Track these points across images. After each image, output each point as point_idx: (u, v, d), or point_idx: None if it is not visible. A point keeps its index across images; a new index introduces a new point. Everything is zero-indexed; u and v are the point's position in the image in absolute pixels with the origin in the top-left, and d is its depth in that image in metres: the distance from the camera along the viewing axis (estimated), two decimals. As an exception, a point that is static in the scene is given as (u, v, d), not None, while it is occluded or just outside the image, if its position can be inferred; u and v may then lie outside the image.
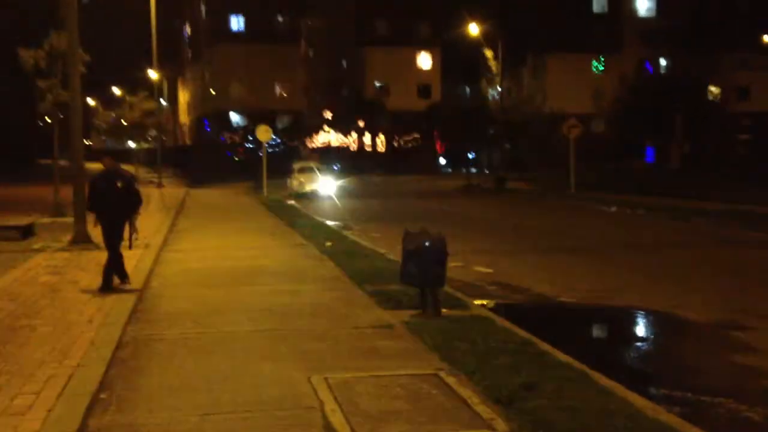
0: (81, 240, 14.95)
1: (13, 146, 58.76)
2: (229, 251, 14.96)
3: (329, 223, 20.41)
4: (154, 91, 47.80)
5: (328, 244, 15.21)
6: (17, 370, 6.56)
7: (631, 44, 69.64)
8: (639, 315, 10.48)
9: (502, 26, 51.75)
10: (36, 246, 15.05)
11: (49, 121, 29.53)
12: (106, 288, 10.19)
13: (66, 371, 6.54)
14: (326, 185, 35.21)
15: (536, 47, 65.50)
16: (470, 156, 60.18)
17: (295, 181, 35.38)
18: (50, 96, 21.02)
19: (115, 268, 10.46)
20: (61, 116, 20.43)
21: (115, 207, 10.43)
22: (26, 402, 5.76)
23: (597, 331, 10.35)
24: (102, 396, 6.09)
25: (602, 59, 71.54)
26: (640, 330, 10.12)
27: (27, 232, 16.82)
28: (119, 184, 10.43)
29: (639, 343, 9.37)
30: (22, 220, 17.55)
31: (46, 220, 20.02)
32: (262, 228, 19.47)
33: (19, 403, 5.73)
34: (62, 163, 23.58)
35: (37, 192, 32.22)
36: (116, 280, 10.50)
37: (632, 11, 73.96)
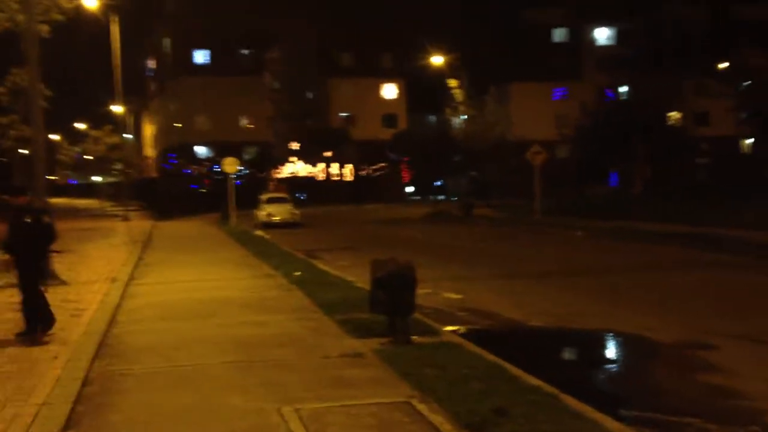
0: (46, 276, 14.69)
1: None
2: (196, 283, 14.84)
3: (297, 252, 20.34)
4: (118, 125, 47.50)
5: (297, 273, 15.16)
6: (-19, 410, 6.43)
7: (592, 72, 70.90)
8: (607, 337, 10.58)
9: (465, 56, 52.36)
10: (-1, 283, 14.78)
11: (6, 159, 29.27)
12: (29, 332, 9.33)
13: (31, 410, 6.43)
14: (294, 215, 35.15)
15: (499, 76, 66.38)
16: (437, 184, 60.52)
17: (263, 212, 35.28)
18: (12, 132, 20.85)
19: (30, 312, 9.43)
20: (24, 152, 20.26)
21: (23, 244, 9.42)
22: (-10, 442, 5.65)
23: (566, 354, 10.41)
24: (69, 434, 6.00)
25: (563, 87, 72.73)
26: (609, 352, 10.21)
27: (-11, 269, 16.52)
28: (27, 219, 9.50)
29: (608, 365, 9.44)
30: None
31: (5, 256, 19.68)
32: (230, 259, 19.36)
33: (-17, 444, 5.62)
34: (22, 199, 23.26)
35: (-1, 228, 31.72)
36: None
37: (592, 40, 75.43)
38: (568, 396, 6.57)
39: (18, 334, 9.37)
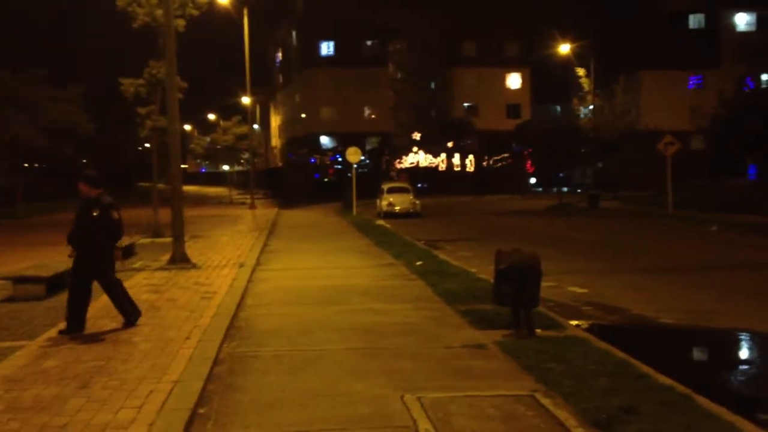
0: (179, 259, 15.42)
1: (117, 171, 61.33)
2: (319, 271, 15.12)
3: (418, 242, 20.39)
4: (247, 115, 49.05)
5: (418, 263, 15.19)
6: (120, 385, 6.77)
7: (730, 60, 67.48)
8: (743, 337, 10.03)
9: (594, 44, 50.95)
10: (136, 265, 15.58)
11: (148, 146, 30.72)
12: (71, 329, 8.92)
13: (166, 386, 6.70)
14: (414, 205, 35.27)
15: (630, 64, 64.16)
16: (561, 175, 59.24)
17: (385, 201, 35.57)
18: (149, 122, 21.85)
19: (73, 310, 9.03)
20: (162, 142, 21.19)
21: (87, 239, 9.04)
22: (129, 416, 5.93)
23: (699, 354, 9.94)
24: (200, 411, 6.23)
25: (699, 75, 69.59)
26: (745, 352, 9.68)
27: (128, 252, 17.43)
28: (95, 213, 9.02)
29: (744, 366, 8.96)
30: (123, 241, 18.17)
31: (145, 240, 20.72)
32: (352, 248, 19.61)
33: (122, 417, 5.90)
34: (160, 186, 24.40)
35: (137, 214, 33.43)
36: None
37: (731, 26, 71.73)
38: (701, 397, 6.27)
39: (61, 332, 8.94)
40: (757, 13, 70.41)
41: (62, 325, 9.11)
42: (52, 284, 12.01)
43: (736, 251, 19.50)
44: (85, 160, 58.94)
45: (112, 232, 9.21)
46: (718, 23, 71.08)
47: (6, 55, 51.10)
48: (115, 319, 9.77)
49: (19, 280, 11.69)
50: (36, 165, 52.09)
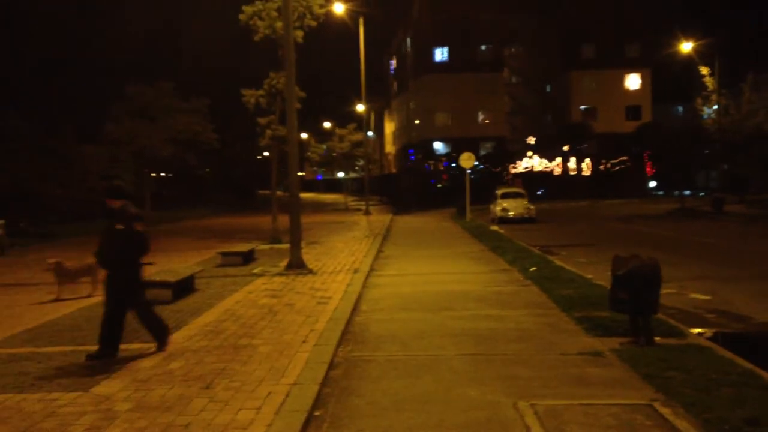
0: (296, 265, 15.82)
1: (238, 179, 63.54)
2: (433, 276, 15.17)
3: (533, 248, 20.13)
4: (362, 123, 49.76)
5: (533, 269, 15.01)
6: (240, 387, 7.03)
7: None
8: None
9: (720, 41, 48.89)
10: (256, 270, 16.09)
11: (267, 154, 31.71)
12: (102, 355, 8.32)
13: (283, 389, 6.92)
14: (529, 210, 34.83)
15: (759, 62, 61.11)
16: (684, 178, 57.12)
17: (499, 207, 35.29)
18: (269, 131, 22.54)
19: (108, 330, 8.43)
20: (281, 150, 21.82)
21: (113, 254, 8.39)
22: (248, 416, 6.16)
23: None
24: (317, 413, 6.40)
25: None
26: None
27: (248, 257, 18.07)
28: (119, 227, 8.36)
29: None
30: (244, 247, 18.85)
31: (264, 246, 21.38)
32: (466, 253, 19.57)
33: (242, 418, 6.14)
34: (279, 193, 25.10)
35: (257, 221, 34.57)
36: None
37: None
38: (834, 411, 5.94)
39: (89, 356, 8.33)
40: None
41: (93, 349, 8.47)
42: (179, 289, 12.57)
43: None
44: (208, 170, 61.36)
45: (138, 245, 8.43)
46: None
47: (134, 69, 53.90)
48: (237, 321, 10.15)
49: (147, 285, 12.27)
50: (162, 174, 54.58)
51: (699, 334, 9.48)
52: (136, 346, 8.92)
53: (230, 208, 51.48)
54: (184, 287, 12.98)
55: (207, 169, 61.85)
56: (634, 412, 6.12)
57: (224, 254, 17.89)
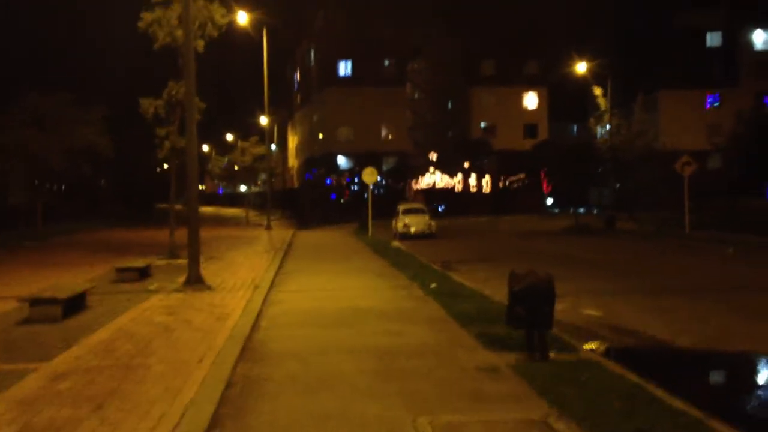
0: (194, 281, 15.47)
1: (136, 191, 61.81)
2: (334, 292, 15.13)
3: (433, 264, 20.36)
4: (265, 135, 49.34)
5: (433, 285, 15.16)
6: (133, 407, 6.80)
7: (749, 78, 67.20)
8: (760, 360, 9.92)
9: (612, 63, 50.87)
10: (152, 287, 15.66)
11: (166, 167, 31.04)
12: None
13: (178, 409, 6.73)
14: (430, 226, 35.25)
15: (648, 83, 64.01)
16: (578, 195, 59.01)
17: (400, 222, 35.58)
18: (167, 143, 22.01)
19: None
20: (181, 163, 21.33)
21: None
22: (141, 438, 5.95)
23: (715, 377, 9.84)
24: (212, 434, 6.23)
25: (717, 94, 69.32)
26: (761, 376, 9.57)
27: (144, 273, 17.56)
28: None
29: (759, 391, 8.85)
30: (140, 262, 18.31)
31: (162, 261, 20.84)
32: (367, 269, 19.62)
33: (135, 439, 5.92)
34: (178, 207, 24.53)
35: (155, 235, 33.69)
36: None
37: (748, 44, 71.51)
38: (716, 421, 6.21)
39: None
40: (775, 31, 70.15)
41: None
42: (69, 305, 12.09)
43: (754, 273, 19.33)
44: (104, 181, 59.48)
45: None
46: (736, 41, 70.89)
47: (29, 73, 51.81)
48: (132, 340, 9.83)
49: (35, 302, 11.76)
50: (55, 186, 52.59)
51: (591, 349, 9.77)
52: (21, 366, 8.51)
53: (127, 222, 50.01)
54: (75, 304, 12.48)
55: (103, 181, 59.94)
56: (529, 426, 6.23)
57: (119, 269, 17.33)
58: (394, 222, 36.72)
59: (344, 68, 75.48)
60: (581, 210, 51.87)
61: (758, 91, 61.20)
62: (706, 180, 44.34)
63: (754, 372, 9.72)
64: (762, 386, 9.10)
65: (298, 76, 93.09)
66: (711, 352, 10.35)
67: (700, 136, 57.64)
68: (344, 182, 63.93)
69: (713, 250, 25.38)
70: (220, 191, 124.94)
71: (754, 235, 27.92)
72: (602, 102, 48.63)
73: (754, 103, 56.43)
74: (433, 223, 35.84)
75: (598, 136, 51.50)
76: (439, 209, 58.18)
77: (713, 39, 71.55)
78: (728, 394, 8.81)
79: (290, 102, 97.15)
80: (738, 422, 6.37)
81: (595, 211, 56.72)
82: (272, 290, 15.36)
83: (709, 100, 70.95)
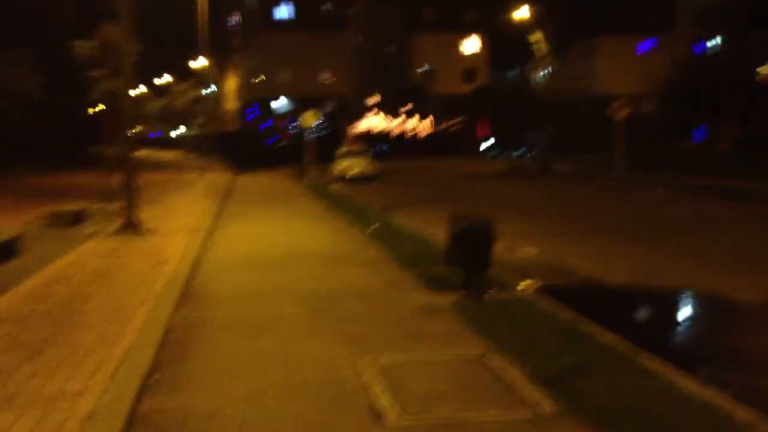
0: (132, 225, 15.23)
1: (68, 135, 60.01)
2: (274, 236, 15.09)
3: (374, 206, 20.43)
4: (201, 79, 48.29)
5: (373, 227, 15.24)
6: (71, 353, 6.72)
7: (684, 25, 68.14)
8: (687, 296, 10.31)
9: (550, 9, 51.03)
10: (88, 231, 15.36)
11: (98, 109, 30.17)
12: None
13: (118, 354, 6.67)
14: (371, 168, 35.23)
15: (585, 29, 64.43)
16: (516, 138, 59.61)
17: (341, 165, 35.48)
18: (101, 85, 21.37)
19: None
20: (112, 105, 20.77)
21: None
22: (80, 384, 5.89)
23: (645, 313, 10.19)
24: (153, 378, 6.21)
25: (652, 40, 70.21)
26: (689, 311, 9.96)
27: (80, 217, 17.20)
28: None
29: (687, 324, 9.23)
30: (74, 206, 17.92)
31: (97, 206, 20.41)
32: (308, 212, 19.59)
33: (74, 386, 5.86)
34: (113, 150, 23.95)
35: (89, 179, 32.85)
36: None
37: (684, -9, 72.33)
38: (646, 354, 6.45)
39: None
40: (710, -22, 71.05)
41: None
42: (1, 251, 11.79)
43: (684, 212, 19.93)
44: (34, 125, 57.54)
45: None
46: (672, -13, 71.59)
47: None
48: (68, 285, 9.68)
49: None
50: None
51: (527, 287, 9.99)
52: (-47, 313, 8.32)
53: (59, 166, 48.66)
54: (6, 249, 12.18)
55: (33, 125, 58.01)
56: (467, 363, 6.37)
57: (53, 214, 16.89)
58: (334, 165, 36.58)
59: (283, 11, 74.06)
60: (518, 153, 52.46)
61: (693, 38, 62.17)
62: (639, 124, 45.16)
63: (680, 306, 10.10)
64: (687, 320, 9.48)
65: (236, 18, 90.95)
66: (640, 288, 10.71)
67: (635, 82, 58.44)
68: (284, 125, 63.25)
69: (644, 192, 26.04)
70: (157, 134, 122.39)
71: (685, 177, 28.69)
72: (541, 47, 48.91)
73: (689, 49, 57.40)
74: (373, 165, 35.82)
75: (536, 81, 51.93)
76: (380, 152, 58.09)
77: (650, -16, 72.16)
78: (657, 328, 9.14)
79: (228, 45, 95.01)
80: (665, 354, 6.62)
81: (531, 154, 57.41)
82: (211, 234, 15.23)
83: (645, 46, 71.88)
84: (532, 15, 47.82)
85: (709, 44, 60.81)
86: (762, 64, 49.54)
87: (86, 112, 59.14)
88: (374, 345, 6.99)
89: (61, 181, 35.39)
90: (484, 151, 66.90)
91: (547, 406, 5.34)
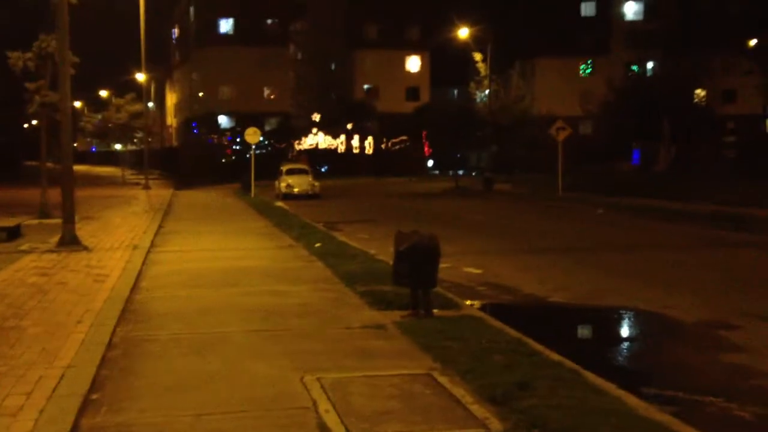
0: (69, 241, 14.88)
1: (1, 148, 58.43)
2: (217, 252, 14.92)
3: (317, 224, 20.37)
4: (141, 93, 47.60)
5: (317, 245, 15.19)
6: (7, 371, 6.51)
7: (619, 47, 70.02)
8: (628, 315, 10.53)
9: (491, 30, 51.86)
10: (23, 247, 14.96)
11: (35, 123, 29.44)
12: None
13: (57, 372, 6.49)
14: (313, 187, 35.19)
15: (525, 51, 65.67)
16: (458, 158, 60.30)
17: (283, 183, 35.35)
18: (38, 98, 20.90)
19: None
20: (52, 119, 20.34)
21: None
22: (17, 402, 5.71)
23: (587, 331, 10.38)
24: (94, 396, 6.05)
25: (590, 62, 71.92)
26: (630, 330, 10.17)
27: (14, 233, 16.72)
28: None
29: (629, 343, 9.41)
30: (9, 222, 17.43)
31: (32, 221, 19.90)
32: (251, 229, 19.43)
33: (11, 404, 5.68)
34: (49, 165, 23.42)
35: (23, 194, 32.01)
36: None
37: (620, 15, 74.44)
38: (590, 372, 6.55)
39: None
40: (645, 2, 73.28)
41: None
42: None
43: (622, 233, 20.39)
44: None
45: None
46: (608, 11, 73.62)
47: None
48: (2, 301, 9.39)
49: None
50: None
51: (472, 305, 10.07)
52: None
53: (-7, 180, 47.32)
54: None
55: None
56: (414, 381, 6.38)
57: (-14, 229, 16.42)
58: (277, 183, 36.42)
59: (225, 26, 73.67)
60: (460, 172, 52.99)
61: (628, 60, 63.91)
62: (578, 145, 46.15)
63: (622, 326, 10.31)
64: (629, 339, 9.68)
65: (176, 32, 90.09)
66: (582, 307, 10.90)
67: (574, 103, 59.78)
68: (226, 142, 62.70)
69: (584, 211, 26.57)
70: (93, 149, 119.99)
71: (622, 198, 29.36)
72: (482, 68, 49.63)
73: (624, 72, 58.94)
74: (316, 183, 35.81)
75: (478, 100, 52.62)
76: (322, 170, 58.04)
77: (587, 9, 74.09)
78: (599, 346, 9.31)
79: (168, 59, 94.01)
80: (608, 373, 6.74)
81: (473, 174, 58.04)
82: (152, 251, 14.98)
83: (582, 67, 73.60)
84: (472, 35, 48.48)
85: (648, 65, 62.48)
86: (696, 86, 51.16)
87: (20, 125, 57.74)
88: (321, 362, 6.95)
89: (-5, 195, 34.36)
90: (426, 170, 67.42)
91: (494, 423, 5.37)
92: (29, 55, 20.72)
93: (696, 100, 52.68)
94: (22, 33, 22.81)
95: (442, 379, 6.38)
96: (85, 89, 70.58)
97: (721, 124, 55.06)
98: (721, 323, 9.54)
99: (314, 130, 67.66)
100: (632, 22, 73.32)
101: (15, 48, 21.06)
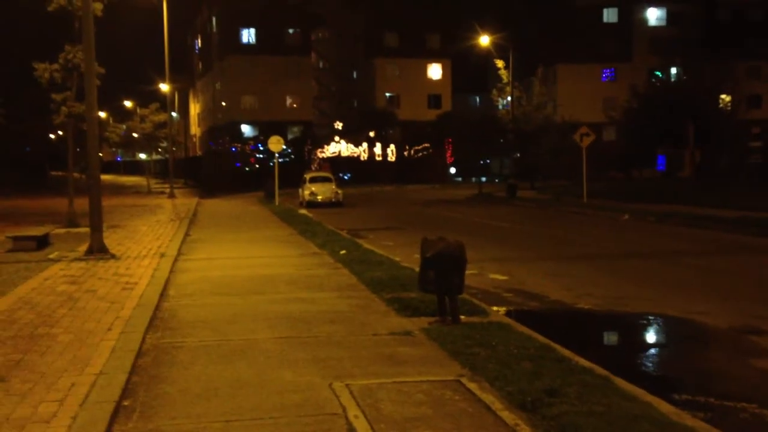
0: (97, 250, 15.04)
1: (29, 158, 59.23)
2: (243, 260, 14.99)
3: (342, 231, 20.42)
4: (165, 103, 48.02)
5: (343, 252, 15.22)
6: (39, 379, 6.58)
7: (642, 53, 69.70)
8: (657, 321, 10.43)
9: (513, 37, 51.79)
10: (52, 256, 15.12)
11: (61, 133, 29.78)
12: None
13: (88, 379, 6.55)
14: (337, 195, 35.30)
15: (547, 57, 65.48)
16: (480, 165, 60.16)
17: (307, 191, 35.48)
18: (65, 108, 21.17)
19: None
20: (78, 129, 20.57)
21: None
22: (50, 409, 5.78)
23: (616, 337, 10.31)
24: (125, 403, 6.12)
25: (613, 69, 71.57)
26: (659, 336, 10.08)
27: (42, 242, 16.93)
28: None
29: (658, 349, 9.33)
30: (38, 231, 17.63)
31: (61, 230, 20.13)
32: (276, 237, 19.50)
33: (44, 411, 5.75)
34: (76, 174, 23.69)
35: (50, 203, 32.43)
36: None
37: (643, 21, 74.07)
38: (619, 378, 6.51)
39: None
40: (667, 8, 72.92)
41: None
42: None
43: (648, 239, 20.22)
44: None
45: None
46: (631, 18, 73.29)
47: None
48: (33, 310, 9.50)
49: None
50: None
51: (499, 312, 10.05)
52: None
53: (20, 190, 47.92)
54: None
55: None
56: (443, 387, 6.37)
57: (15, 238, 16.61)
58: (300, 190, 36.57)
59: (247, 36, 74.14)
60: (483, 179, 52.88)
61: (651, 67, 63.54)
62: (601, 151, 45.90)
63: (652, 332, 10.22)
64: (659, 345, 9.60)
65: (199, 43, 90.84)
66: (610, 313, 10.82)
67: (596, 109, 59.48)
68: (249, 150, 63.06)
69: (608, 218, 26.39)
70: (118, 159, 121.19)
71: (647, 204, 29.15)
72: (504, 75, 49.49)
73: (647, 78, 58.55)
74: (339, 191, 35.91)
75: (500, 107, 52.48)
76: (345, 178, 58.23)
77: (609, 15, 73.80)
78: (627, 352, 9.24)
79: (191, 70, 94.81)
80: (637, 379, 6.70)
81: (496, 181, 57.91)
82: (179, 259, 15.09)
83: (605, 74, 73.27)
84: (494, 42, 48.38)
85: (672, 71, 62.08)
86: (721, 91, 50.69)
87: (48, 135, 58.45)
88: (349, 369, 6.96)
89: (23, 204, 34.84)
90: (449, 177, 67.40)
91: (525, 430, 5.35)
92: (56, 66, 21.01)
93: (721, 105, 52.13)
94: (47, 43, 23.03)
95: (471, 386, 6.37)
96: (110, 99, 71.33)
97: (747, 130, 54.45)
98: (751, 329, 9.44)
99: (336, 138, 67.91)
100: (655, 28, 72.94)
101: (40, 59, 21.34)
